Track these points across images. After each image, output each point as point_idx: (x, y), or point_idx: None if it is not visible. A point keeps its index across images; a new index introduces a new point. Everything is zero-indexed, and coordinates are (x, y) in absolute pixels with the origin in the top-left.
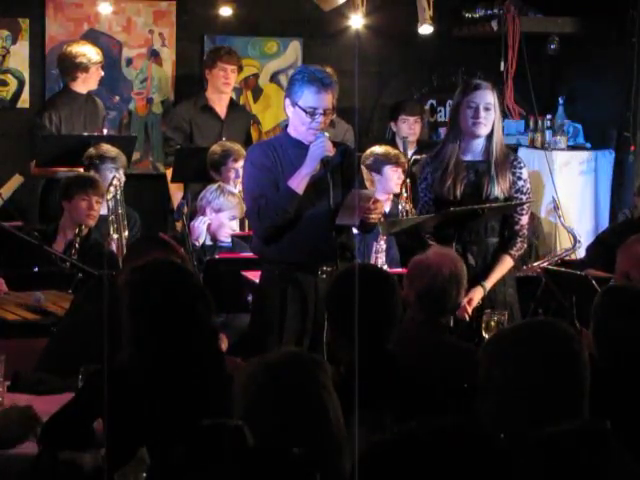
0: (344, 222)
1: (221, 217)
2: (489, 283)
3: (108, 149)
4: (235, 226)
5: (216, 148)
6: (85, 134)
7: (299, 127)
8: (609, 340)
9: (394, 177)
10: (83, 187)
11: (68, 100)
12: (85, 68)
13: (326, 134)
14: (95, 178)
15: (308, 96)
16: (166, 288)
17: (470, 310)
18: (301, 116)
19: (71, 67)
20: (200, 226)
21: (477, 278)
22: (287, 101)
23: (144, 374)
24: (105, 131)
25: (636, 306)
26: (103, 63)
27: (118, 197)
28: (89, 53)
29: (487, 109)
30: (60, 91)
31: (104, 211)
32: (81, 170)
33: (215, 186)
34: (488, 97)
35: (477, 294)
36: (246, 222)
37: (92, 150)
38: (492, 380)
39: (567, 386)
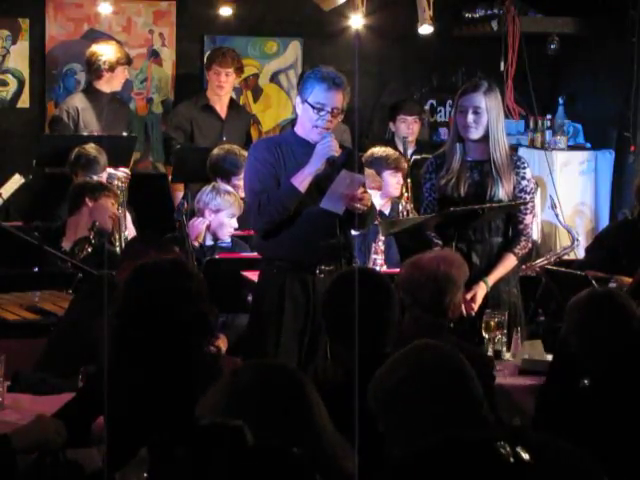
0: (328, 207)
1: (220, 217)
2: (491, 279)
3: (88, 154)
4: (235, 224)
5: (219, 152)
6: (85, 134)
7: (306, 124)
8: (592, 342)
9: (393, 182)
10: (110, 190)
11: (88, 96)
12: (111, 67)
13: (332, 134)
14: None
15: (318, 93)
16: (159, 288)
17: (476, 307)
18: (308, 113)
19: (97, 65)
20: (199, 226)
21: (481, 277)
22: (298, 99)
23: (143, 373)
24: (125, 134)
25: (617, 310)
26: (125, 65)
27: (120, 199)
28: (119, 53)
29: (476, 113)
30: (84, 88)
31: None
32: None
33: (209, 187)
34: (477, 100)
35: (480, 290)
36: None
37: (72, 154)
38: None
39: (460, 401)
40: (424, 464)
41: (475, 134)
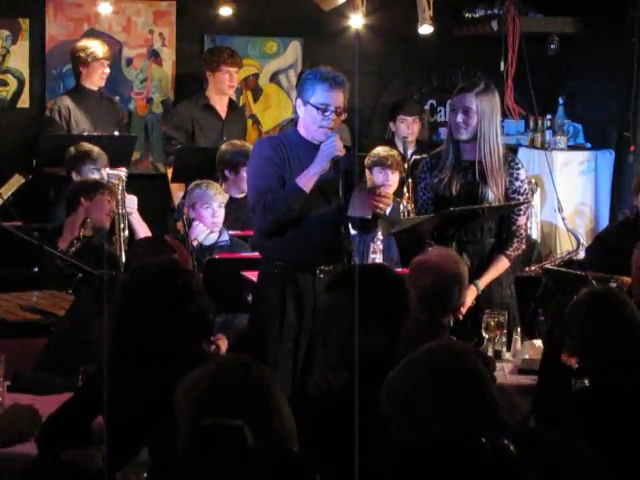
0: (357, 214)
1: (214, 206)
2: (482, 282)
3: (89, 149)
4: (223, 212)
5: (227, 147)
6: (85, 134)
7: (310, 125)
8: (592, 341)
9: (379, 178)
10: (107, 188)
11: (77, 95)
12: (85, 62)
13: (337, 134)
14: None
15: (320, 93)
16: (156, 287)
17: (464, 310)
18: (312, 114)
19: (75, 61)
20: (201, 228)
21: (471, 278)
22: (298, 101)
23: (142, 373)
24: (116, 133)
25: (617, 308)
26: (109, 61)
27: (119, 197)
28: (91, 48)
29: (466, 113)
30: (72, 87)
31: None
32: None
33: (191, 185)
34: (468, 101)
35: (470, 293)
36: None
37: (72, 150)
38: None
39: (476, 403)
40: (408, 462)
41: (464, 134)
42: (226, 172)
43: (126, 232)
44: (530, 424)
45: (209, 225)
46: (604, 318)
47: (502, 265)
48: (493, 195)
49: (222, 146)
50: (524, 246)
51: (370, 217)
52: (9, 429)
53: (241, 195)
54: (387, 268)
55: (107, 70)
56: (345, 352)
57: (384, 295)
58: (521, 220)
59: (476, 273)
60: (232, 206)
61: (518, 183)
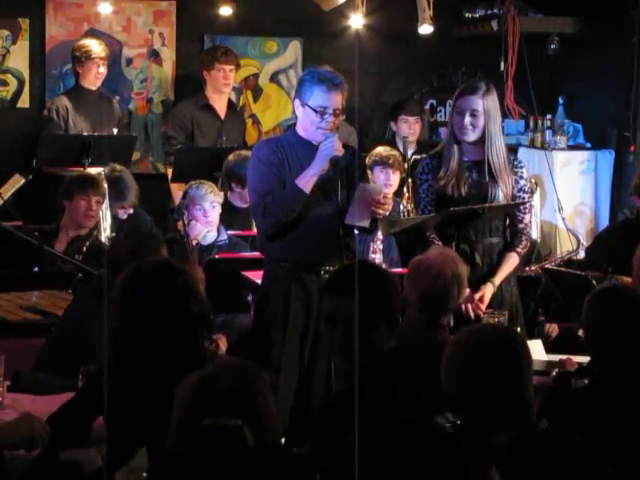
0: (355, 222)
1: (206, 206)
2: (498, 280)
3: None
4: (219, 210)
5: (235, 158)
6: (85, 134)
7: (308, 127)
8: (603, 341)
9: (381, 177)
10: (83, 187)
11: (75, 94)
12: (80, 61)
13: (336, 134)
14: (97, 178)
15: (318, 95)
16: (155, 287)
17: (484, 307)
18: (311, 116)
19: (72, 60)
20: (199, 226)
21: (484, 277)
22: (297, 102)
23: (142, 373)
24: (115, 131)
25: (628, 307)
26: (105, 61)
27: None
28: (86, 47)
29: (474, 115)
30: (71, 87)
31: None
32: (81, 170)
33: (186, 187)
34: (475, 103)
35: (488, 291)
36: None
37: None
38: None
39: (511, 379)
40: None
41: (472, 136)
42: (233, 185)
43: (107, 232)
44: (543, 425)
45: (203, 224)
46: (623, 315)
47: (513, 262)
48: (503, 194)
49: (229, 157)
50: (529, 244)
51: (369, 225)
52: (20, 433)
53: (244, 205)
54: (370, 263)
55: (102, 70)
56: (353, 352)
57: (374, 291)
58: (527, 218)
59: (488, 271)
60: (234, 215)
61: (523, 182)
